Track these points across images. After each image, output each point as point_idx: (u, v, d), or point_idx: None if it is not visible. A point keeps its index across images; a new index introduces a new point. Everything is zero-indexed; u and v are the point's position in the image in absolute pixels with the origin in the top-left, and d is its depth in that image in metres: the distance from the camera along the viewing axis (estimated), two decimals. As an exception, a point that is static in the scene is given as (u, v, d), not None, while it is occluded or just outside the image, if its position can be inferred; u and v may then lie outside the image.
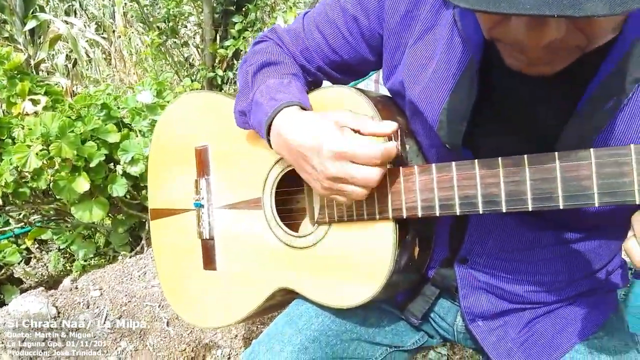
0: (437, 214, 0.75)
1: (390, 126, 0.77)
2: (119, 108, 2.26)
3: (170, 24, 3.03)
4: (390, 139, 0.78)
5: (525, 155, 0.66)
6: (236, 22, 2.93)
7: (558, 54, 0.60)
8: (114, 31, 5.51)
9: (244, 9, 3.02)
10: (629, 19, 0.66)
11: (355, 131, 0.78)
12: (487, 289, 0.88)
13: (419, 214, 0.77)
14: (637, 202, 0.59)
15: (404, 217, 0.79)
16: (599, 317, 0.89)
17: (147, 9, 3.32)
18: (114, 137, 2.17)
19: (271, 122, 0.84)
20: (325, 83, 1.00)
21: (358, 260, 0.86)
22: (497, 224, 0.83)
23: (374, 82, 2.90)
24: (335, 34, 0.90)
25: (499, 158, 0.68)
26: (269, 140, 0.86)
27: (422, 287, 0.96)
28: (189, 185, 1.13)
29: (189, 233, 1.13)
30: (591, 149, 0.61)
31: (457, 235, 0.88)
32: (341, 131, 0.76)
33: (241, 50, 2.93)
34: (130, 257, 2.38)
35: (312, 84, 0.99)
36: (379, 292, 0.84)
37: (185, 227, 1.14)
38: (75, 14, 5.84)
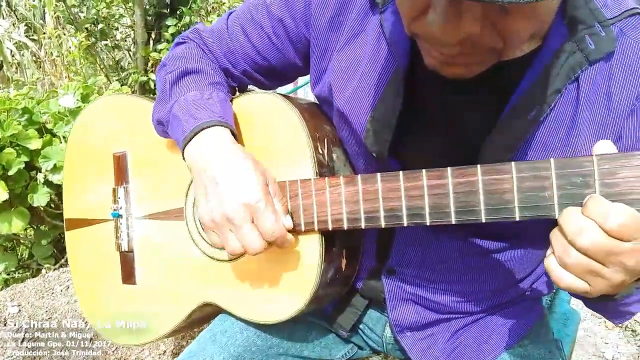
0: (363, 227, 0.73)
1: (289, 224, 0.77)
2: (41, 113, 2.13)
3: (100, 25, 2.91)
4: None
5: (449, 168, 0.65)
6: (170, 25, 2.85)
7: (474, 56, 0.59)
8: (44, 33, 5.25)
9: (178, 12, 2.94)
10: (550, 31, 0.66)
11: None
12: (415, 300, 0.87)
13: (345, 226, 0.75)
14: (557, 217, 0.59)
15: (330, 229, 0.77)
16: (524, 326, 0.89)
17: (76, 10, 3.17)
18: (35, 144, 2.05)
19: (189, 140, 0.80)
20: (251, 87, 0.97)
21: (283, 274, 0.83)
22: (423, 235, 0.82)
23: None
24: (260, 36, 0.87)
25: (423, 170, 0.67)
26: (183, 154, 0.82)
27: (351, 298, 0.93)
28: (107, 194, 1.06)
29: (107, 245, 1.06)
30: (512, 162, 0.61)
31: (384, 246, 0.86)
32: (265, 188, 0.75)
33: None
34: (53, 271, 2.25)
35: (238, 89, 0.95)
36: (305, 306, 0.81)
37: (102, 239, 1.07)
38: (3, 15, 5.53)
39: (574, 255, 0.55)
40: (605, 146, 0.57)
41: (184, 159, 0.82)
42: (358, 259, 0.89)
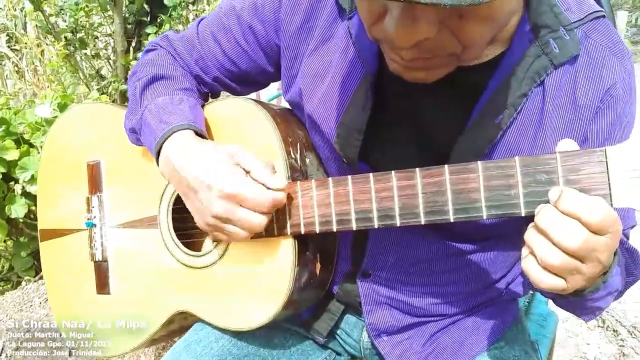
0: (335, 229, 0.73)
1: (280, 184, 0.74)
2: (18, 123, 2.11)
3: (79, 34, 2.88)
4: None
5: (417, 169, 0.65)
6: (150, 34, 2.83)
7: (433, 60, 0.59)
8: (25, 43, 5.20)
9: (158, 20, 2.92)
10: (516, 35, 0.67)
11: (247, 171, 0.75)
12: (390, 304, 0.87)
13: (317, 229, 0.75)
14: (523, 214, 0.59)
15: (302, 233, 0.77)
16: (499, 327, 0.89)
17: (55, 19, 3.15)
18: (12, 154, 2.02)
19: (161, 146, 0.80)
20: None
21: (257, 280, 0.82)
22: (396, 237, 0.82)
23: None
24: (231, 42, 0.86)
25: (393, 172, 0.67)
26: (157, 161, 0.81)
27: (327, 304, 0.93)
28: (81, 203, 1.05)
29: (81, 255, 1.05)
30: (479, 162, 0.61)
31: (358, 250, 0.86)
32: (234, 170, 0.74)
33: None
34: (33, 283, 2.22)
35: (209, 95, 0.95)
36: (280, 312, 0.80)
37: (76, 249, 1.05)
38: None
39: (560, 257, 0.54)
40: (567, 144, 0.57)
41: (158, 165, 0.82)
42: (333, 262, 0.89)
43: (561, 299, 0.69)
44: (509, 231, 0.80)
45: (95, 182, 1.03)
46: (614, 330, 1.90)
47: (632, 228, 0.80)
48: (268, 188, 0.74)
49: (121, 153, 0.99)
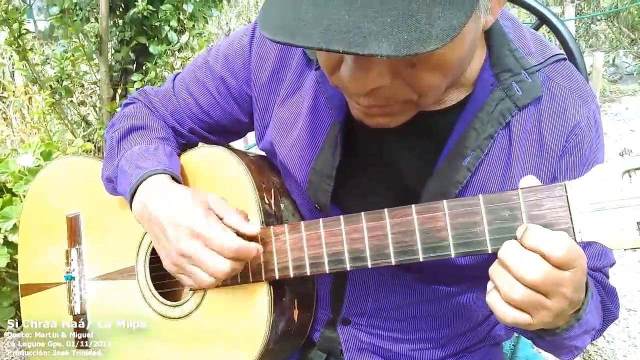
0: (308, 273, 0.73)
1: (253, 230, 0.74)
2: (1, 172, 2.10)
3: (65, 83, 2.90)
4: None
5: (386, 210, 0.66)
6: (135, 81, 2.86)
7: (390, 107, 0.60)
8: (13, 91, 5.24)
9: (144, 68, 2.95)
10: (479, 79, 0.68)
11: (220, 218, 0.75)
12: (372, 350, 0.86)
13: (291, 274, 0.75)
14: (490, 251, 0.59)
15: (277, 278, 0.76)
16: (484, 373, 0.88)
17: (40, 68, 3.17)
18: (-6, 204, 2.01)
19: (135, 191, 0.80)
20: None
21: (233, 328, 0.81)
22: (374, 282, 0.81)
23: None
24: (204, 95, 0.88)
25: (362, 213, 0.68)
26: (131, 206, 0.81)
27: (309, 352, 0.91)
28: (61, 257, 1.04)
29: (61, 309, 1.03)
30: (444, 201, 0.62)
31: (337, 296, 0.85)
32: (207, 213, 0.74)
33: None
34: (16, 333, 2.17)
35: (187, 146, 0.95)
36: (258, 361, 0.79)
37: (56, 303, 1.04)
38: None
39: (522, 291, 0.54)
40: (529, 181, 0.58)
41: (131, 209, 0.81)
42: (312, 310, 0.88)
43: (539, 339, 0.69)
44: (484, 273, 0.80)
45: (74, 235, 1.03)
46: (600, 368, 1.87)
47: (611, 266, 0.79)
48: (241, 234, 0.73)
49: (100, 205, 0.99)
